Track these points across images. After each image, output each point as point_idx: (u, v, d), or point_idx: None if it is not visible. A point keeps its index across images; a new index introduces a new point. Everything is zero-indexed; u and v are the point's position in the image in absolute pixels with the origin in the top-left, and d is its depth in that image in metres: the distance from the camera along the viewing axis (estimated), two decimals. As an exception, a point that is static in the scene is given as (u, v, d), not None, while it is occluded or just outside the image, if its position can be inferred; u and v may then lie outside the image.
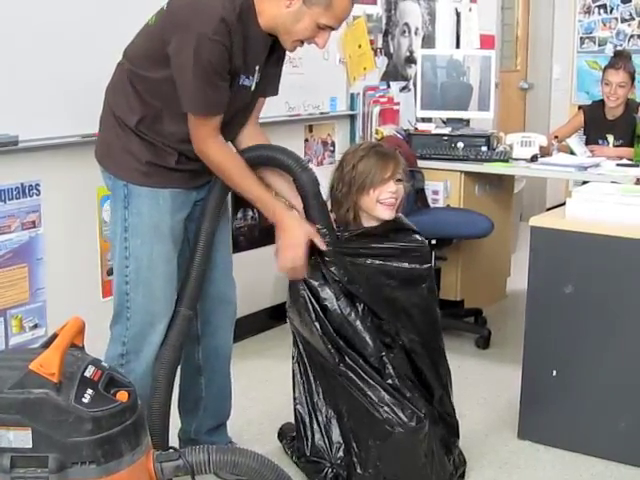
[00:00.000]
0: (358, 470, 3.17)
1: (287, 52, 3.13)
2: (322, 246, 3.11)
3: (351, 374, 3.12)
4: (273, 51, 3.06)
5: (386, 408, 3.09)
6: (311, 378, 3.28)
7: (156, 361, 3.02)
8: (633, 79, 5.72)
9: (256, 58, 2.98)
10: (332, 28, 2.94)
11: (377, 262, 3.19)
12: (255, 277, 4.26)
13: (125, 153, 3.00)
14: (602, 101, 5.84)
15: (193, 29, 2.78)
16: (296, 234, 3.04)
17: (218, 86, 2.84)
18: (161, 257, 3.02)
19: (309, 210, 3.09)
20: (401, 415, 3.09)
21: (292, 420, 3.42)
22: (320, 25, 2.89)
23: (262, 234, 4.94)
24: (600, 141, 5.71)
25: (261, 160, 3.10)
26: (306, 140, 5.10)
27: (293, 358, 3.35)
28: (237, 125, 3.13)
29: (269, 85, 3.17)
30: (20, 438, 2.15)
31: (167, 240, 3.03)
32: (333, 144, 5.36)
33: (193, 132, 2.91)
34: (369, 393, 3.11)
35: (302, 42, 2.97)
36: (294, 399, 3.35)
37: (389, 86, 5.82)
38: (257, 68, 3.00)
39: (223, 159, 2.97)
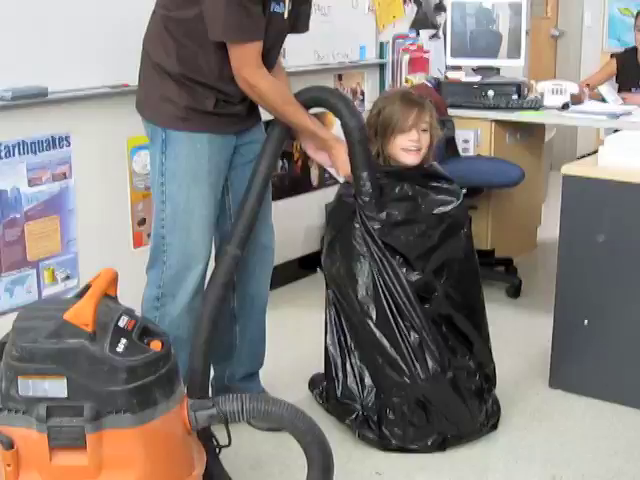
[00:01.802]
0: (389, 415, 3.19)
1: None
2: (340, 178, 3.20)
3: (375, 328, 3.15)
4: None
5: (405, 364, 3.13)
6: (343, 323, 3.29)
7: (202, 299, 3.03)
8: (666, 25, 5.65)
9: None
10: None
11: (413, 209, 3.18)
12: (286, 227, 4.26)
13: (163, 100, 3.01)
14: (635, 48, 5.78)
15: None
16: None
17: (252, 11, 2.85)
18: (198, 200, 3.04)
19: (353, 155, 3.10)
20: (420, 370, 3.12)
21: (323, 369, 3.44)
22: None
23: (292, 184, 4.94)
24: (633, 89, 5.65)
25: (312, 101, 3.12)
26: (336, 89, 5.07)
27: (327, 301, 3.36)
28: (272, 59, 3.12)
29: (299, 21, 3.18)
30: (56, 387, 2.18)
31: (204, 184, 3.03)
32: (363, 93, 5.32)
33: (235, 62, 2.91)
34: (391, 347, 3.14)
35: None
36: (325, 341, 3.37)
37: (418, 34, 5.76)
38: None
39: (268, 86, 2.97)
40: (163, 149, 3.03)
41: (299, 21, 3.18)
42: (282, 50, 3.24)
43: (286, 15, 3.04)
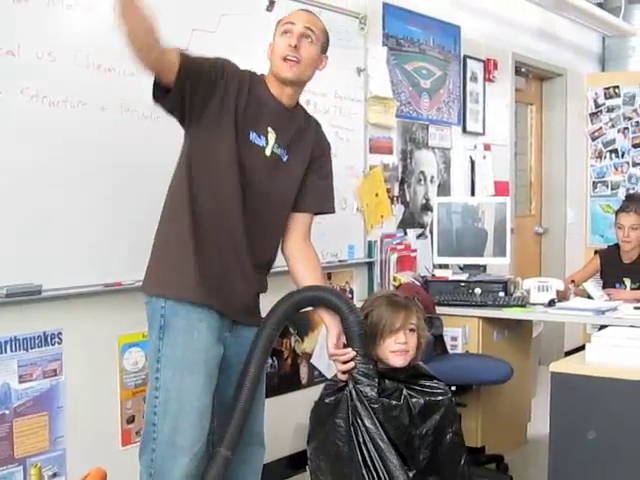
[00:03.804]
0: None
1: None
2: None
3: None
4: (302, 138, 3.23)
5: None
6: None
7: None
8: (647, 221, 5.77)
9: (268, 119, 3.13)
10: (292, 24, 3.13)
11: (401, 409, 3.15)
12: (274, 424, 4.23)
13: (169, 269, 3.08)
14: (617, 245, 5.89)
15: None
16: None
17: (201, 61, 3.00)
18: (191, 391, 3.02)
19: (352, 348, 3.12)
20: None
21: None
22: (282, 33, 3.14)
23: (281, 382, 4.94)
24: (617, 285, 5.74)
25: (312, 300, 3.19)
26: (332, 288, 5.11)
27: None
28: (272, 223, 3.22)
29: (310, 196, 3.29)
30: None
31: (199, 374, 3.03)
32: (352, 291, 5.40)
33: None
34: None
35: (287, 58, 3.11)
36: None
37: (406, 233, 5.90)
38: (269, 129, 3.13)
39: None
40: (161, 336, 3.04)
41: (310, 196, 3.29)
42: (306, 231, 3.33)
43: (268, 152, 3.14)
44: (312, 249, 3.35)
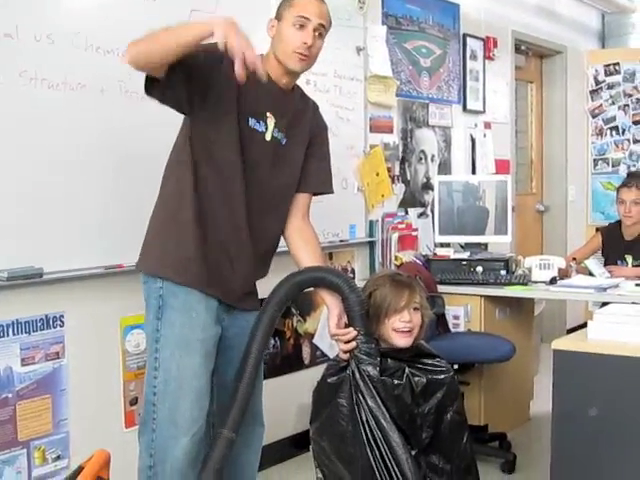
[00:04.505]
0: None
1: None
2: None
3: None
4: (300, 120, 3.21)
5: None
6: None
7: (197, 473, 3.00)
8: (648, 197, 5.76)
9: (266, 104, 3.11)
10: (307, 19, 3.06)
11: (403, 388, 3.15)
12: (277, 405, 4.25)
13: (164, 251, 3.09)
14: (619, 222, 5.88)
15: None
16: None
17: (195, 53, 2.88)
18: (189, 371, 3.03)
19: (354, 327, 3.13)
20: None
21: None
22: (295, 23, 3.06)
23: (283, 362, 4.94)
24: (619, 262, 5.73)
25: (313, 281, 3.19)
26: (332, 268, 5.12)
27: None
28: (274, 210, 3.23)
29: (309, 177, 3.30)
30: None
31: (197, 354, 3.04)
32: (353, 271, 5.41)
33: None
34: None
35: (300, 53, 3.07)
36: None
37: (407, 212, 5.90)
38: (268, 114, 3.11)
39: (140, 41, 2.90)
40: (159, 316, 3.05)
41: (310, 176, 3.30)
42: (305, 211, 3.35)
43: (268, 137, 3.13)
44: (311, 229, 3.35)
